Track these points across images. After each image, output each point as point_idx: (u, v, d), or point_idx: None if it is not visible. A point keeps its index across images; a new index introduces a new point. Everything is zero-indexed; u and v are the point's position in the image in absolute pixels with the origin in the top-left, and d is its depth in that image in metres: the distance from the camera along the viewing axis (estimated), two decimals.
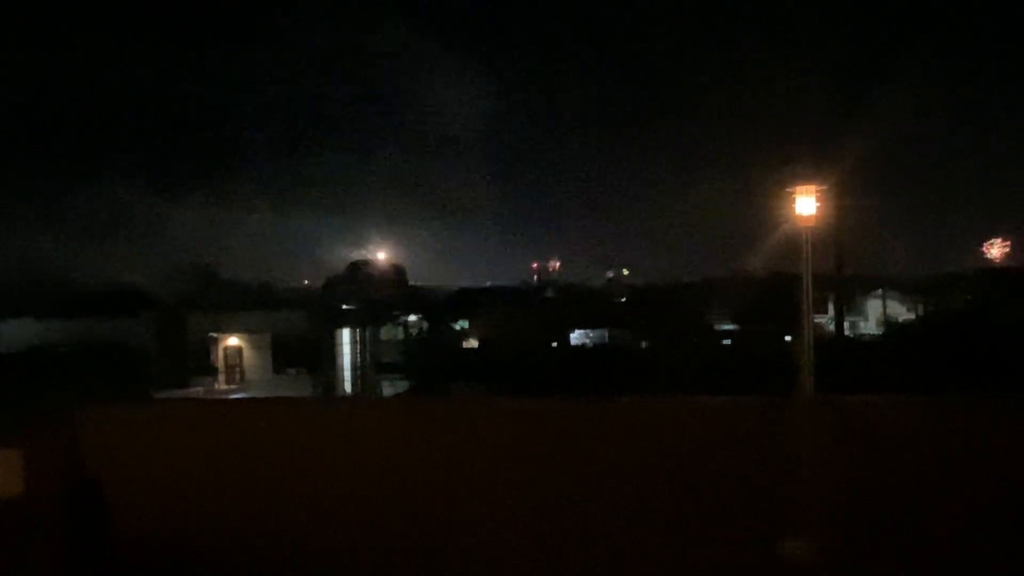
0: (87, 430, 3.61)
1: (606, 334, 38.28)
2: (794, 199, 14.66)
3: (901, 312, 39.92)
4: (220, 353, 33.88)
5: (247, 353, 33.95)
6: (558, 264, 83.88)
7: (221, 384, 32.60)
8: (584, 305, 42.51)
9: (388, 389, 32.07)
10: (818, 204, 14.50)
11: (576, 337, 39.10)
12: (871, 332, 38.85)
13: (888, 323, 38.57)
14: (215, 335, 33.89)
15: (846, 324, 36.58)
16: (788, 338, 31.76)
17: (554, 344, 36.83)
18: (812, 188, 14.50)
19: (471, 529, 3.34)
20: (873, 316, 40.88)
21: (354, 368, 34.44)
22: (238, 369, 33.60)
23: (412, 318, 42.34)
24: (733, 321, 36.78)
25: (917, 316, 38.27)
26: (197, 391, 29.05)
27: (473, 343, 39.91)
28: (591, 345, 37.73)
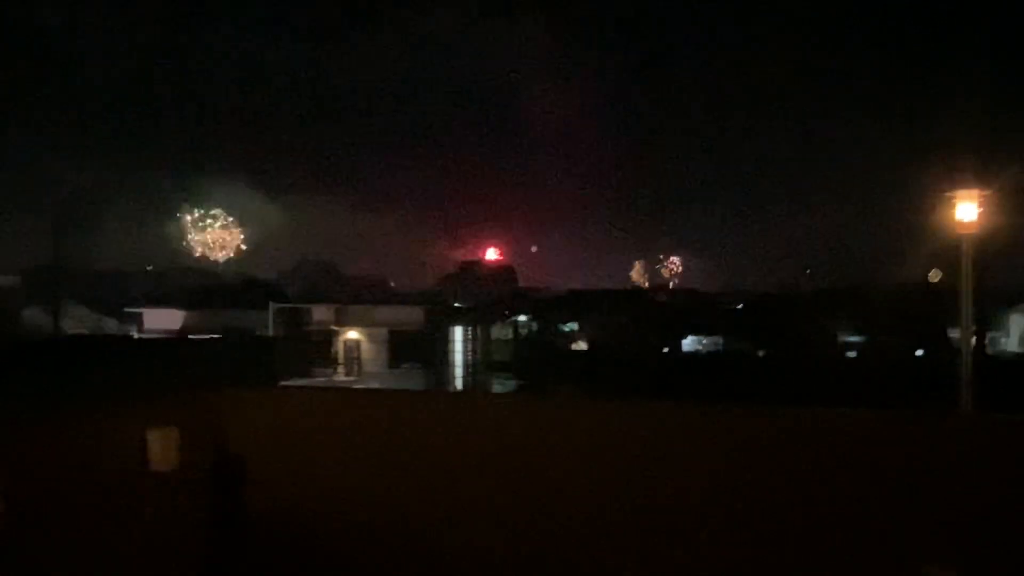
0: (229, 411, 3.88)
1: (720, 341, 37.24)
2: (953, 205, 13.61)
3: None
4: (340, 345, 35.31)
5: (365, 346, 35.21)
6: (673, 268, 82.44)
7: (341, 375, 33.97)
8: (698, 311, 41.47)
9: (498, 387, 32.44)
10: (980, 210, 13.39)
11: (689, 343, 38.24)
12: (1013, 349, 35.99)
13: None
14: (336, 328, 35.34)
15: (986, 340, 34.00)
16: (919, 352, 29.91)
17: (665, 349, 36.16)
18: (975, 193, 13.39)
19: (581, 528, 3.36)
20: (1016, 332, 37.83)
21: (465, 365, 35.11)
22: (357, 361, 34.90)
23: (522, 318, 42.64)
24: (859, 332, 34.92)
25: None
26: (319, 381, 30.37)
27: (582, 345, 39.73)
28: (704, 352, 36.82)
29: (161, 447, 3.43)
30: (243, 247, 67.42)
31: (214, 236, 67.08)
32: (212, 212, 66.76)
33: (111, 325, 38.03)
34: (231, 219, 67.37)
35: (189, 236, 66.33)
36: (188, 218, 66.25)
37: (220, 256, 66.67)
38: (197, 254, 65.71)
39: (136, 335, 35.69)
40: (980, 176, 14.51)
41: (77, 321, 37.45)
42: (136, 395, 3.86)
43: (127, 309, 38.83)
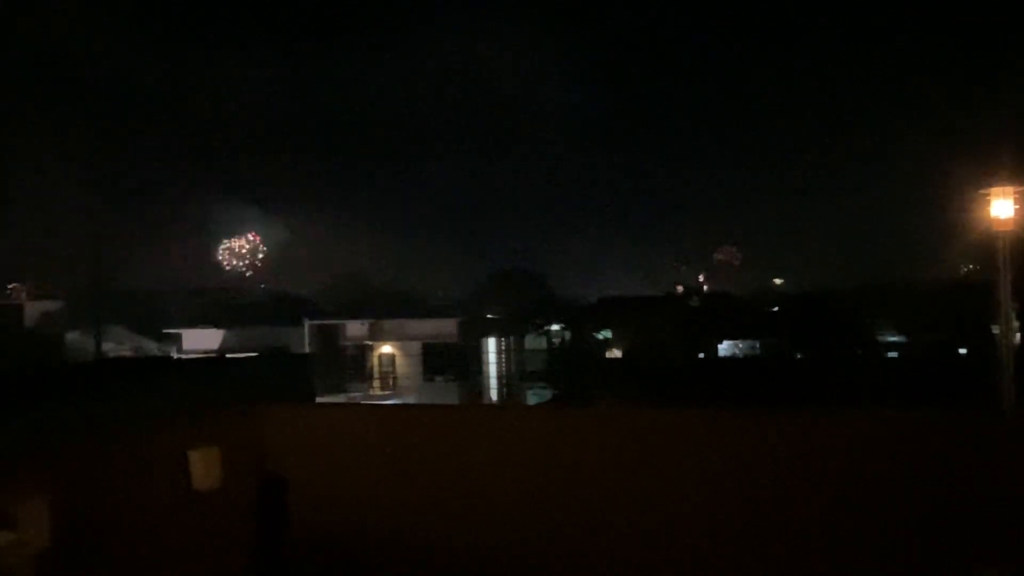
0: (269, 429, 3.90)
1: (757, 345, 36.77)
2: (989, 201, 13.75)
3: None
4: (375, 360, 35.50)
5: (399, 360, 35.35)
6: (703, 273, 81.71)
7: (376, 390, 34.14)
8: (733, 314, 40.99)
9: (533, 398, 32.35)
10: (1016, 207, 13.51)
11: (725, 348, 37.81)
12: None
13: None
14: (370, 343, 35.54)
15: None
16: (963, 351, 29.22)
17: (701, 355, 35.79)
18: (1010, 190, 13.58)
19: (619, 539, 3.31)
20: None
21: (500, 376, 35.09)
22: (391, 376, 35.06)
23: (555, 327, 42.50)
24: (899, 332, 34.23)
25: None
26: (355, 396, 30.56)
27: (616, 353, 39.48)
28: (741, 356, 36.39)
29: (203, 466, 3.45)
30: (274, 264, 68.43)
31: (245, 253, 68.16)
32: (243, 229, 67.87)
33: (150, 346, 38.69)
34: (260, 237, 68.43)
35: (221, 252, 67.51)
36: (222, 239, 67.42)
37: (251, 273, 67.73)
38: (227, 268, 66.85)
39: (176, 355, 36.24)
40: (1016, 172, 14.52)
41: (118, 343, 38.18)
42: (178, 415, 3.90)
43: (165, 330, 39.48)
